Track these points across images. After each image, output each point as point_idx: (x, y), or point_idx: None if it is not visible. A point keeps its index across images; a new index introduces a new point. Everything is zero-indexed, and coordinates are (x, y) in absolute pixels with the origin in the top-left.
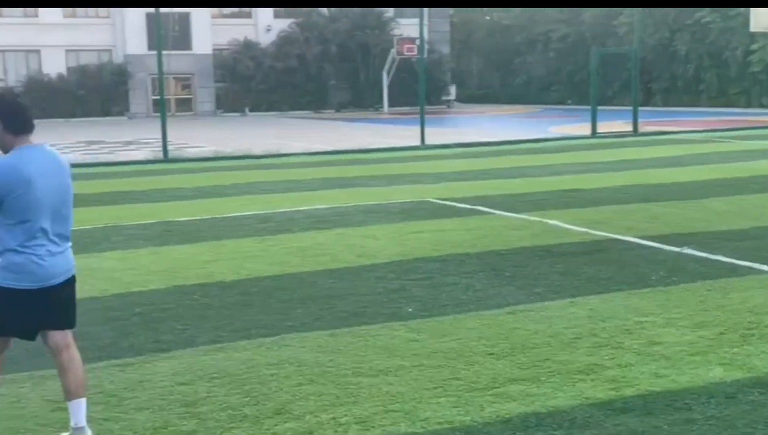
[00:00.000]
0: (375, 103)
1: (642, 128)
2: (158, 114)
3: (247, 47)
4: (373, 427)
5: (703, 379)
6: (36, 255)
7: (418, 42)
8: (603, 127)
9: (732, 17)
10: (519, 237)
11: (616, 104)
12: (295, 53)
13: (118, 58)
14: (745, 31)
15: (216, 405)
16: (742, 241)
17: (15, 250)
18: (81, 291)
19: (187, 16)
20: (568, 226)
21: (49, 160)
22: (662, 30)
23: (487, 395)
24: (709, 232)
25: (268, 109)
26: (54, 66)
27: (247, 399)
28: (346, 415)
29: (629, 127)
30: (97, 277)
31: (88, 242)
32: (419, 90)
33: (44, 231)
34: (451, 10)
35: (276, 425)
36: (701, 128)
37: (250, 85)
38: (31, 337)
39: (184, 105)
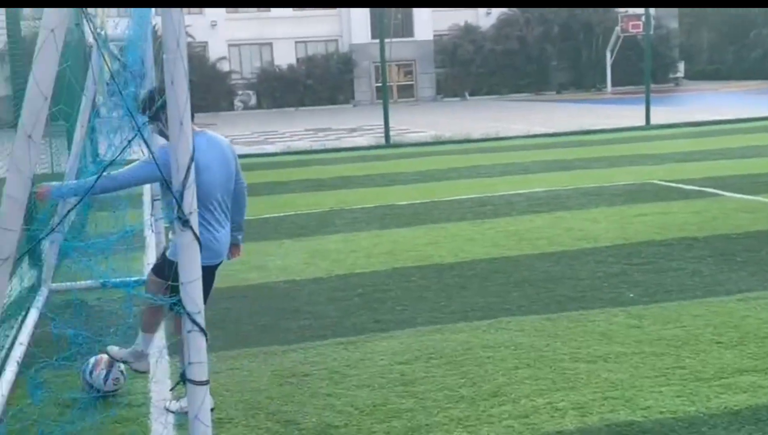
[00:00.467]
0: (597, 83)
1: None
2: (381, 101)
3: (468, 31)
4: (590, 413)
5: None
6: (210, 233)
7: (644, 18)
8: None
9: None
10: (752, 220)
11: None
12: (515, 35)
13: (343, 48)
14: None
15: (433, 385)
16: None
17: None
18: (308, 271)
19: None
20: None
21: (213, 144)
22: None
23: (713, 385)
24: None
25: (487, 93)
26: (284, 57)
27: (463, 380)
28: (563, 401)
29: None
30: (323, 258)
31: (315, 225)
32: (644, 68)
33: (214, 210)
34: None
35: (492, 407)
36: None
37: (469, 69)
38: None
39: (406, 91)
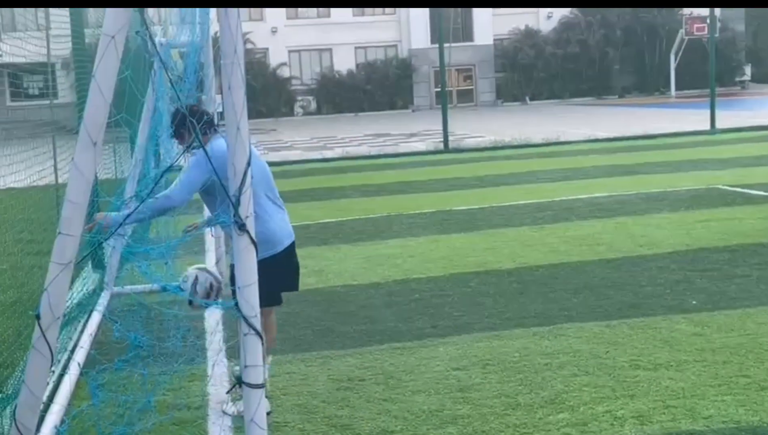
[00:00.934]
0: (661, 87)
1: None
2: (440, 106)
3: (528, 35)
4: (650, 422)
5: None
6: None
7: (708, 21)
8: None
9: None
10: None
11: None
12: (577, 39)
13: (403, 53)
14: None
15: (490, 391)
16: None
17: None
18: (366, 276)
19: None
20: None
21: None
22: None
23: None
24: None
25: (548, 97)
26: (344, 63)
27: (520, 387)
28: (622, 409)
29: None
30: (380, 263)
31: (372, 231)
32: (709, 71)
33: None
34: None
35: (549, 415)
36: None
37: (530, 73)
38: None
39: (465, 96)
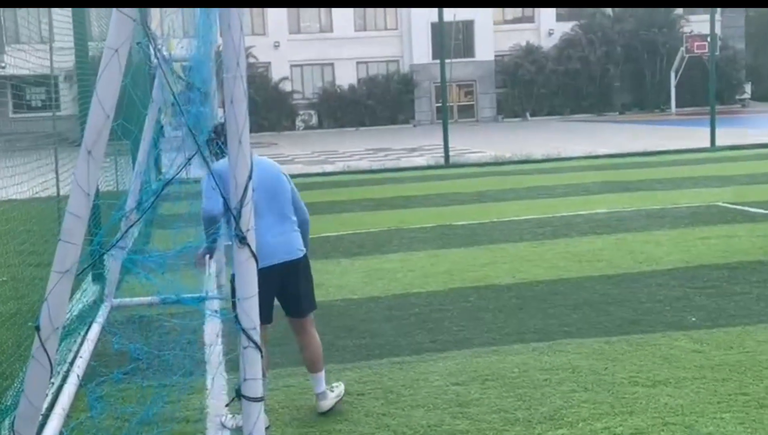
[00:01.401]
0: (662, 104)
1: None
2: (441, 121)
3: (529, 52)
4: None
5: None
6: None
7: (709, 39)
8: None
9: None
10: None
11: None
12: (578, 56)
13: (404, 68)
14: None
15: (488, 407)
16: None
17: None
18: (365, 290)
19: (471, 24)
20: None
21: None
22: None
23: None
24: None
25: (549, 114)
26: (346, 78)
27: (519, 402)
28: (620, 426)
29: None
30: (380, 277)
31: (373, 245)
32: (709, 89)
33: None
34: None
35: (548, 431)
36: None
37: (531, 89)
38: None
39: (466, 111)
